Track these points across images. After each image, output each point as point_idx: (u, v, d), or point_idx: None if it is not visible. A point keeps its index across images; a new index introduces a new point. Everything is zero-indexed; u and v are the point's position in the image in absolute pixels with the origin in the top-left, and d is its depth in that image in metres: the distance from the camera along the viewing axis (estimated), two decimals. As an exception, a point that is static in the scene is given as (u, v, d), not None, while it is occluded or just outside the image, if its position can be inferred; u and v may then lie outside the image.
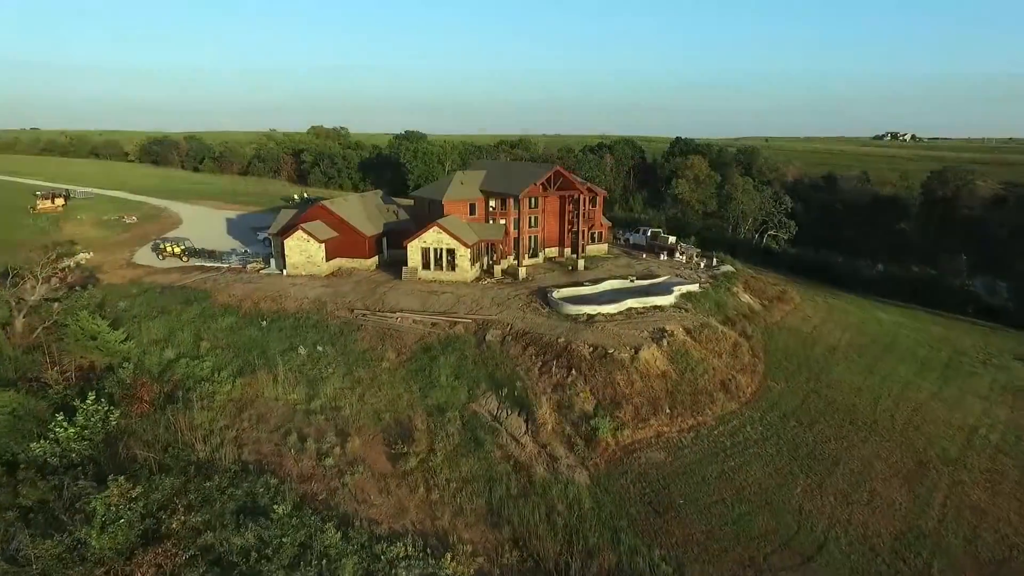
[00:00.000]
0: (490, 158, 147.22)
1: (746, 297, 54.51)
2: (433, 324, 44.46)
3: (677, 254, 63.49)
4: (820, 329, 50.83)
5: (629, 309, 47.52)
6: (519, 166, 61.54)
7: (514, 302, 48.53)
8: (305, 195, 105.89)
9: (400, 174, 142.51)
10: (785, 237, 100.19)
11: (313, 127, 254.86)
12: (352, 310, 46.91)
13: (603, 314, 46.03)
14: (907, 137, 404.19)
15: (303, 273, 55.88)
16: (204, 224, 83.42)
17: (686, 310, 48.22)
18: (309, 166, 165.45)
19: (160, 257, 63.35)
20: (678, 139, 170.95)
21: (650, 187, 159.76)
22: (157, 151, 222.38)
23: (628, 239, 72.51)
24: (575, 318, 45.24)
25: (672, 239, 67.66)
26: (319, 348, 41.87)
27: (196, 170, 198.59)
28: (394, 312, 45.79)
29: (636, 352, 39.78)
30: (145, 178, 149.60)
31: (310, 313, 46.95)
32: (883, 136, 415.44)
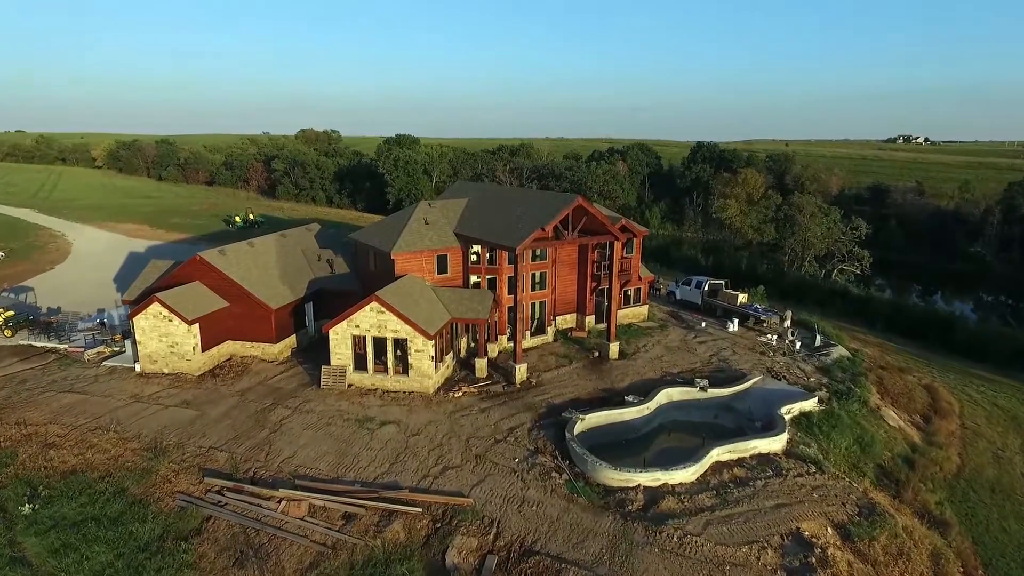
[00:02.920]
0: (486, 168, 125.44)
1: (894, 416, 32.93)
2: (345, 518, 22.90)
3: (779, 336, 41.34)
4: (1036, 483, 29.32)
5: (716, 466, 26.06)
6: (518, 195, 40.40)
7: (505, 449, 26.98)
8: (251, 216, 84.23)
9: (380, 186, 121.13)
10: (856, 271, 78.78)
11: (303, 130, 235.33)
12: (204, 475, 25.36)
13: (672, 486, 24.56)
14: (920, 140, 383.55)
15: (165, 371, 34.40)
16: (96, 261, 62.15)
17: (813, 461, 26.73)
18: (280, 175, 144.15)
19: (-24, 329, 41.87)
20: (700, 144, 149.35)
21: (668, 199, 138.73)
22: (124, 156, 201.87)
23: (672, 293, 51.00)
24: (620, 499, 23.72)
25: (742, 296, 46.07)
26: (97, 594, 20.25)
27: (160, 179, 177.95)
28: (275, 489, 24.12)
29: (769, 629, 18.21)
30: (83, 190, 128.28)
31: (128, 477, 25.37)
32: (895, 139, 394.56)
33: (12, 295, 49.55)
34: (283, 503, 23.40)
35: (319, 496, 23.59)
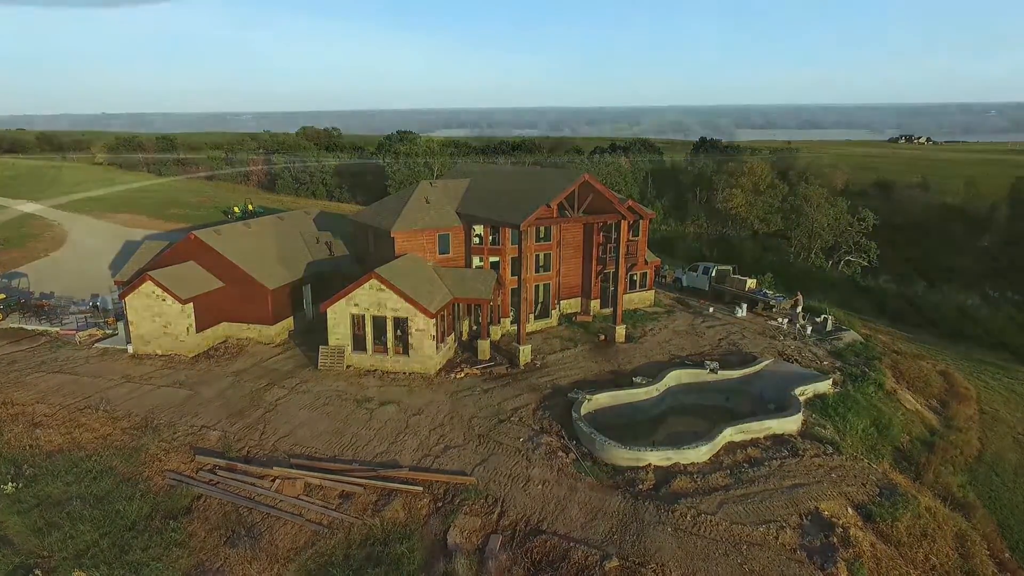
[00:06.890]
0: (486, 161, 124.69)
1: (911, 400, 31.89)
2: (343, 497, 21.88)
3: (789, 320, 40.30)
4: (1060, 467, 28.23)
5: (729, 446, 25.04)
6: (521, 173, 39.39)
7: (510, 429, 25.96)
8: (250, 207, 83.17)
9: (380, 180, 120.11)
10: (864, 263, 77.67)
11: (303, 128, 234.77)
12: (196, 454, 24.35)
13: (684, 465, 23.55)
14: (923, 140, 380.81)
15: (158, 351, 33.40)
16: (91, 249, 61.05)
17: (830, 443, 25.67)
18: (280, 170, 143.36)
19: (-33, 312, 40.87)
20: (703, 139, 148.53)
21: (671, 195, 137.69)
22: (124, 152, 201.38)
23: (679, 279, 49.93)
24: (630, 479, 22.69)
25: (751, 282, 45.03)
26: (80, 572, 19.21)
27: (160, 174, 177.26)
28: (270, 467, 23.14)
29: (790, 610, 17.19)
30: (81, 183, 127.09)
31: (116, 456, 24.40)
32: (897, 139, 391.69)
33: (5, 280, 48.56)
34: (278, 482, 22.39)
35: (315, 475, 22.57)
